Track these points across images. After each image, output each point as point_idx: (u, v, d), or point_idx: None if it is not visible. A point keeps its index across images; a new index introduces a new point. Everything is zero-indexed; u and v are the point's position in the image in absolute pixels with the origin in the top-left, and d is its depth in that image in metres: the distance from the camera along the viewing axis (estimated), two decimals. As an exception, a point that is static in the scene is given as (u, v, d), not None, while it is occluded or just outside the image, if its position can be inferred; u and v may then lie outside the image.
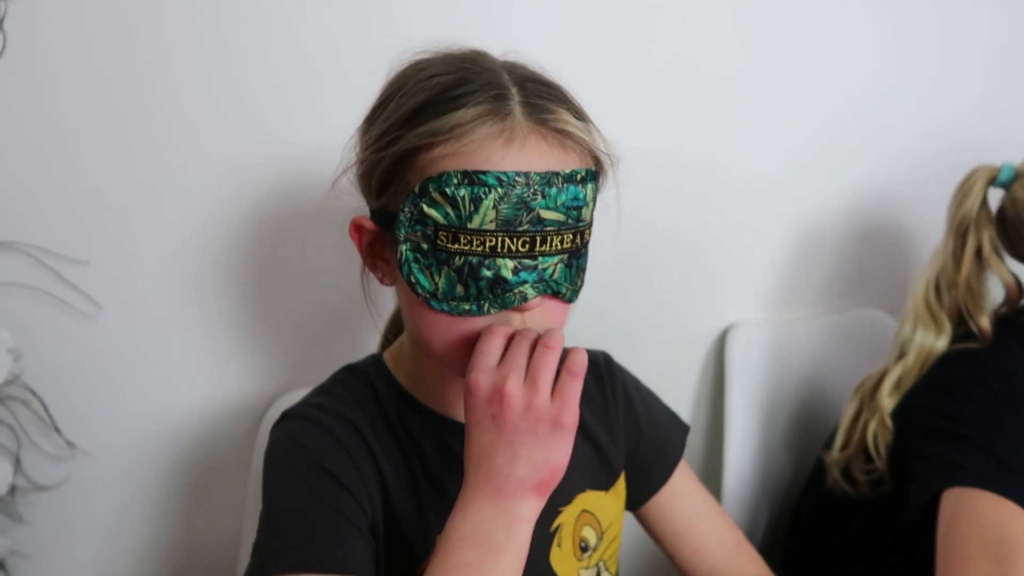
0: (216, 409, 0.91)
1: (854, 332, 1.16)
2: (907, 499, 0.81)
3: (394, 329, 0.78)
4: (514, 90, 0.58)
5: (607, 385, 0.77)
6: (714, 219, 1.11)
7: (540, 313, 0.60)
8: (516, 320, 0.59)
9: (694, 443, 1.18)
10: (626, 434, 0.76)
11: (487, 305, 0.58)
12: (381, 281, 0.65)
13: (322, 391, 0.69)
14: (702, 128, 1.06)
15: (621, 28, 0.99)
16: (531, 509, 0.57)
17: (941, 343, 0.89)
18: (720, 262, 1.13)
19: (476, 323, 0.59)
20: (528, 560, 0.66)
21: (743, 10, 1.04)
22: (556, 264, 0.59)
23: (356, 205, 0.66)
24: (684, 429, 0.81)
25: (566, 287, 0.60)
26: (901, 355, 0.91)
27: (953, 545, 0.72)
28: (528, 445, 0.55)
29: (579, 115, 0.61)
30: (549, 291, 0.59)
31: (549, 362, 0.56)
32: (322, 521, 0.60)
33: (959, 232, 0.91)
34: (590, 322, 1.05)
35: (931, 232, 0.97)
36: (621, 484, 0.75)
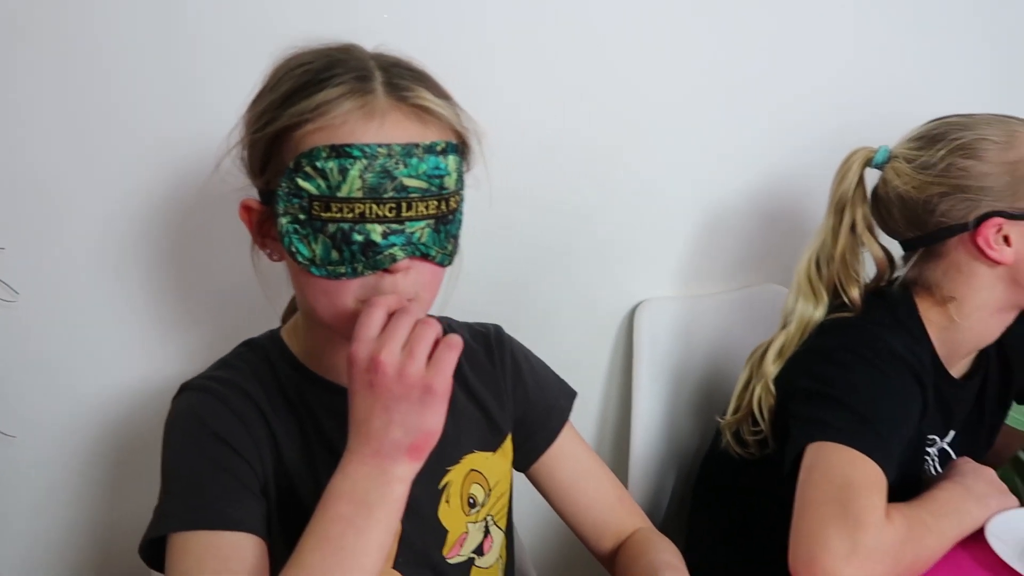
0: (138, 388, 0.94)
1: (756, 306, 1.23)
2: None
3: (295, 307, 0.82)
4: (378, 72, 0.64)
5: (496, 355, 0.82)
6: (624, 201, 1.16)
7: (413, 275, 0.65)
8: (388, 281, 0.64)
9: (606, 414, 1.24)
10: (514, 400, 0.82)
11: (360, 267, 0.63)
12: (270, 257, 0.70)
13: (221, 364, 0.74)
14: (612, 111, 1.10)
15: (533, 10, 1.02)
16: (405, 471, 0.61)
17: (819, 313, 0.96)
18: (631, 242, 1.18)
19: (352, 286, 0.64)
20: (417, 515, 0.72)
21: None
22: (423, 228, 0.64)
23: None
24: (571, 395, 0.87)
25: (436, 250, 0.66)
26: (785, 325, 0.98)
27: (806, 491, 0.79)
28: (402, 411, 0.60)
29: (440, 94, 0.66)
30: (418, 253, 0.64)
31: (426, 335, 0.61)
32: (215, 483, 0.65)
33: (837, 209, 0.97)
34: (507, 302, 1.10)
35: (827, 214, 1.03)
36: (508, 445, 0.81)
